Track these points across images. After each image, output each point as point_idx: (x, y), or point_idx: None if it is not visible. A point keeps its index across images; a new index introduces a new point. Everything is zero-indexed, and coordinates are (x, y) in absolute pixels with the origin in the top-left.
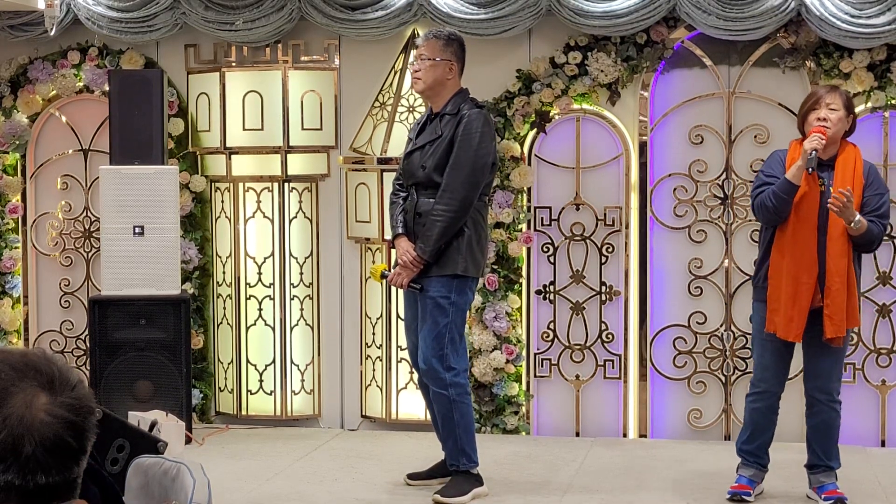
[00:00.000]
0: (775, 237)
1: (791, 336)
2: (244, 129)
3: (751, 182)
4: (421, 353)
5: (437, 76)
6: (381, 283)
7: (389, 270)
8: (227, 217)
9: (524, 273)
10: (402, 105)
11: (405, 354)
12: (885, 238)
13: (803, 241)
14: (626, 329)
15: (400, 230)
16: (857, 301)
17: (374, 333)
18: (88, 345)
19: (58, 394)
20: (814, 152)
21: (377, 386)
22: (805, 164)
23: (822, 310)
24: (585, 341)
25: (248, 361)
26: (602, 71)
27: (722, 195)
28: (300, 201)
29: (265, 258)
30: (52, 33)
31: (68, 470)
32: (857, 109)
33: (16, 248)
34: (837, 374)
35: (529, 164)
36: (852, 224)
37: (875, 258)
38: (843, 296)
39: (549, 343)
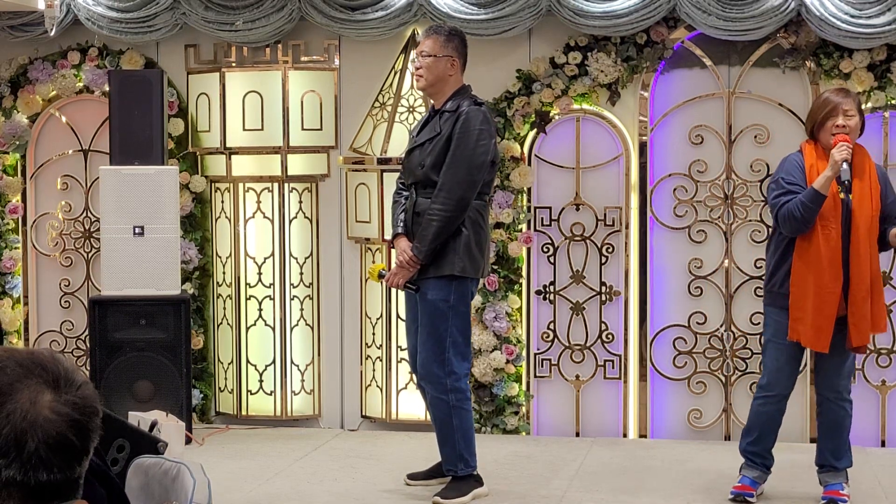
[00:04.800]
0: (797, 245)
1: (819, 346)
2: (244, 130)
3: (751, 183)
4: (420, 357)
5: (438, 73)
6: (380, 283)
7: (387, 270)
8: (227, 217)
9: (524, 273)
10: (402, 105)
11: (405, 354)
12: None
13: (828, 250)
14: (626, 329)
15: (399, 230)
16: (884, 306)
17: (374, 333)
18: (88, 345)
19: (63, 392)
20: (845, 163)
21: (377, 386)
22: (835, 174)
23: (846, 318)
24: (585, 341)
25: (248, 361)
26: (602, 71)
27: (722, 195)
28: (300, 201)
29: (265, 258)
30: (52, 33)
31: (70, 469)
32: None
33: (16, 248)
34: (846, 371)
35: (529, 164)
36: None
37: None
38: (868, 304)
39: (549, 343)
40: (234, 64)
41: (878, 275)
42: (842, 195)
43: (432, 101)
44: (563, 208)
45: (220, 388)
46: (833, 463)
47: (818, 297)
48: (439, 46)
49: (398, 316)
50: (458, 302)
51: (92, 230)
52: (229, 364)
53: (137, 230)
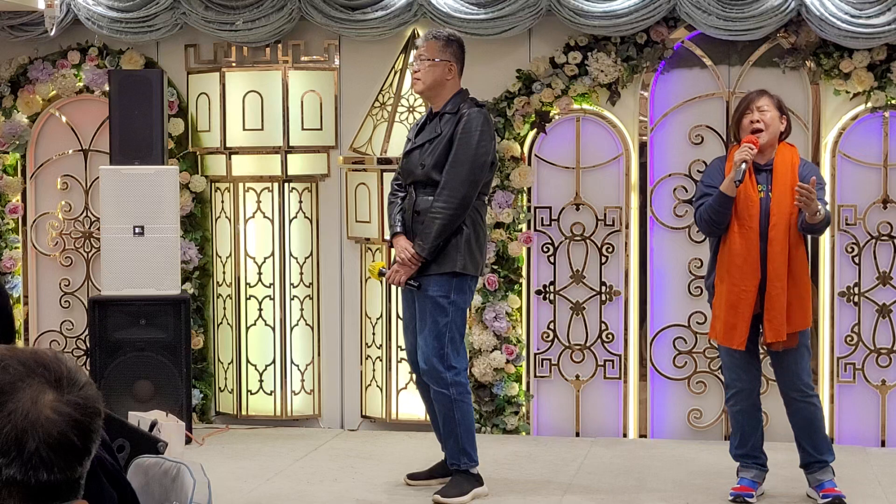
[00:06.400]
0: (719, 245)
1: (734, 344)
2: (244, 130)
3: None
4: (421, 353)
5: (436, 77)
6: (380, 281)
7: (388, 268)
8: (227, 217)
9: (524, 273)
10: (402, 105)
11: (405, 354)
12: (885, 237)
13: (744, 249)
14: (626, 329)
15: (398, 229)
16: (807, 302)
17: (374, 333)
18: (88, 345)
19: (65, 392)
20: (743, 164)
21: (377, 386)
22: (735, 175)
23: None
24: (585, 341)
25: (248, 361)
26: (602, 71)
27: None
28: (300, 201)
29: (265, 258)
30: (52, 33)
31: (71, 469)
32: (857, 109)
33: (16, 248)
34: (805, 368)
35: (529, 164)
36: (817, 214)
37: (875, 258)
38: (783, 300)
39: (549, 343)
40: (234, 64)
41: (802, 271)
42: (762, 193)
43: (430, 104)
44: (563, 208)
45: (220, 388)
46: (819, 458)
47: (731, 294)
48: (437, 51)
49: (398, 316)
50: (457, 298)
51: (92, 230)
52: (229, 364)
53: (137, 230)
